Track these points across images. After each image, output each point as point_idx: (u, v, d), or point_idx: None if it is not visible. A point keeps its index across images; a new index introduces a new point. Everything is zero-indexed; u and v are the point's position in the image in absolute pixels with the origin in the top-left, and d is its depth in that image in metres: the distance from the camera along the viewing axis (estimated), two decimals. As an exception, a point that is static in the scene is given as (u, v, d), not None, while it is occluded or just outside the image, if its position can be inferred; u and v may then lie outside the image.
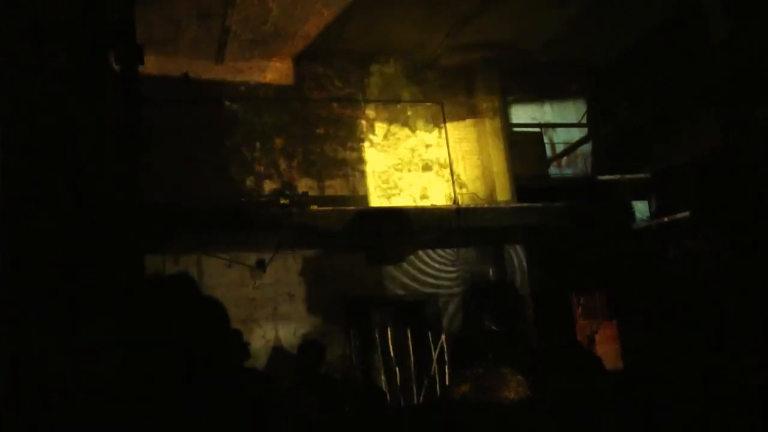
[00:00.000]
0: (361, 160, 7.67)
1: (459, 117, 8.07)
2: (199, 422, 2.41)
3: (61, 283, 2.06)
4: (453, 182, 7.85)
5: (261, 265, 7.35)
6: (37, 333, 1.95)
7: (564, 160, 8.52)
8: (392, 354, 7.63)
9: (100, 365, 2.04)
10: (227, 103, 7.24)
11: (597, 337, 8.01)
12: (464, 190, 7.89)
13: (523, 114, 8.47)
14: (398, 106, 7.90)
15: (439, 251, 8.07)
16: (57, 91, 2.51)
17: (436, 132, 7.97)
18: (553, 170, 8.49)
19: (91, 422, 1.94)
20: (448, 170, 7.88)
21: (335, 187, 7.50)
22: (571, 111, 8.60)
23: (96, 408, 1.97)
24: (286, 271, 7.51)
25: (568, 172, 8.49)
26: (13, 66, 2.37)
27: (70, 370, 1.95)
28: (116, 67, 3.30)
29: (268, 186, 7.26)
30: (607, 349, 7.78)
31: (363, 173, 7.66)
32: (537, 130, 8.45)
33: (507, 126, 8.23)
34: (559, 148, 8.60)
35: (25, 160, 2.24)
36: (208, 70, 7.32)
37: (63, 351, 1.96)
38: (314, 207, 6.90)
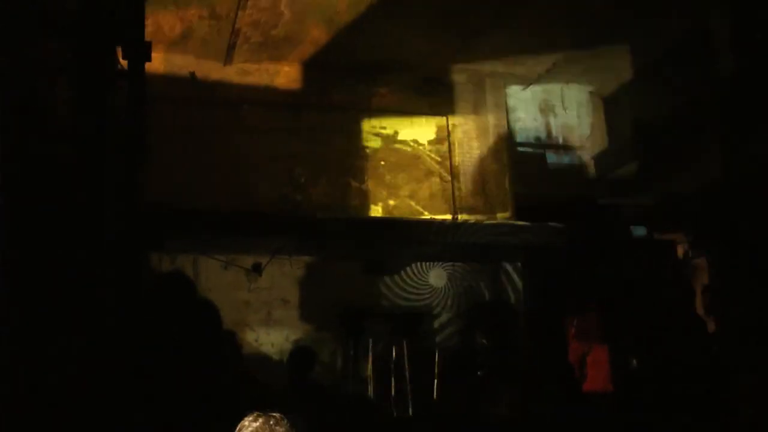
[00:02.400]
0: (364, 169, 7.67)
1: (464, 131, 8.08)
2: (190, 421, 2.40)
3: (61, 283, 2.05)
4: (453, 196, 7.85)
5: (257, 269, 7.34)
6: (37, 333, 1.94)
7: (565, 180, 8.52)
8: (384, 365, 7.61)
9: (100, 364, 2.03)
10: (234, 104, 7.24)
11: (589, 359, 7.97)
12: (465, 205, 7.89)
13: (527, 132, 8.48)
14: (404, 117, 7.90)
15: (436, 265, 8.07)
16: (59, 88, 2.51)
17: (439, 145, 7.97)
18: (553, 174, 8.50)
19: (91, 420, 1.94)
20: (449, 184, 7.88)
21: (337, 195, 7.50)
22: (576, 132, 8.61)
23: (96, 406, 1.97)
24: (282, 276, 7.50)
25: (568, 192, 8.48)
26: (17, 61, 2.36)
27: (70, 370, 1.95)
28: (124, 62, 3.30)
29: (271, 191, 7.25)
30: (598, 371, 7.75)
31: (365, 182, 7.65)
32: (540, 150, 8.46)
33: (511, 143, 8.25)
34: (562, 167, 8.61)
35: (25, 161, 2.24)
36: (216, 71, 7.32)
37: (63, 351, 1.95)
38: (314, 214, 6.90)
